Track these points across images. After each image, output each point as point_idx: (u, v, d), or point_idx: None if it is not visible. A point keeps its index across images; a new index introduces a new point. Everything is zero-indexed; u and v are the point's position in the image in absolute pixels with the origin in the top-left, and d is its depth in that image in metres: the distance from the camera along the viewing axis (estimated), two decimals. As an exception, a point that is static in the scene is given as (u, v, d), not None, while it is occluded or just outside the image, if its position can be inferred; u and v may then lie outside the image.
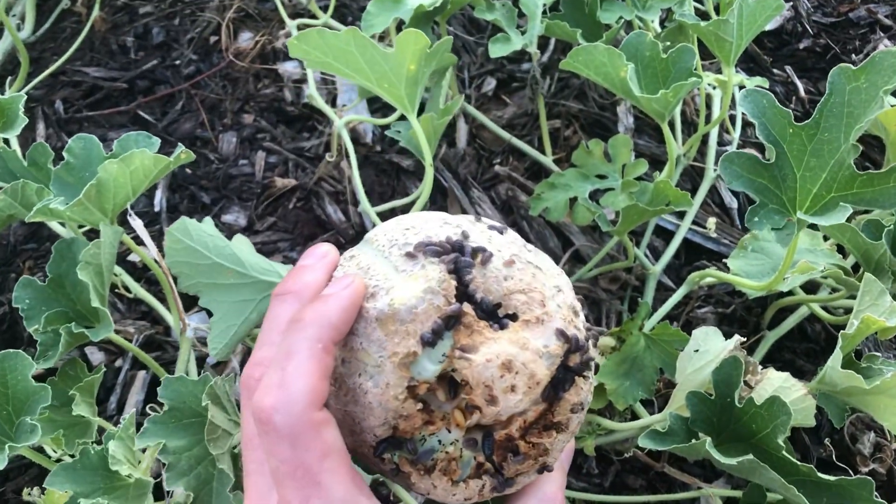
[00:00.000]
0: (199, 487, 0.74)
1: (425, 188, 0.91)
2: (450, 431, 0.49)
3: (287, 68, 1.32)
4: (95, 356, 1.08)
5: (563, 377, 0.49)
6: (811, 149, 0.79)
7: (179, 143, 0.82)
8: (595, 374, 0.54)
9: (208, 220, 0.85)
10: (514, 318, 0.49)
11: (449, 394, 0.48)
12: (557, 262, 1.01)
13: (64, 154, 0.86)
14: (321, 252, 0.53)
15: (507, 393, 0.47)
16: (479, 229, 0.53)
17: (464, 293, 0.48)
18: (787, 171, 0.80)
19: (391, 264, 0.50)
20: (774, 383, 0.83)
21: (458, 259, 0.49)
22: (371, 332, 0.47)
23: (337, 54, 0.83)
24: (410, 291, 0.47)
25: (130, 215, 0.81)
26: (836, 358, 0.76)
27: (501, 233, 0.53)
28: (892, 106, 1.01)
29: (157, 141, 0.86)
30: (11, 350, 0.76)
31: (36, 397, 0.75)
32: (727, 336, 0.85)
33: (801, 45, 1.49)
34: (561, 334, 0.49)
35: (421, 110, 0.99)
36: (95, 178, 0.77)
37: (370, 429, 0.48)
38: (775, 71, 1.45)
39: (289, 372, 0.43)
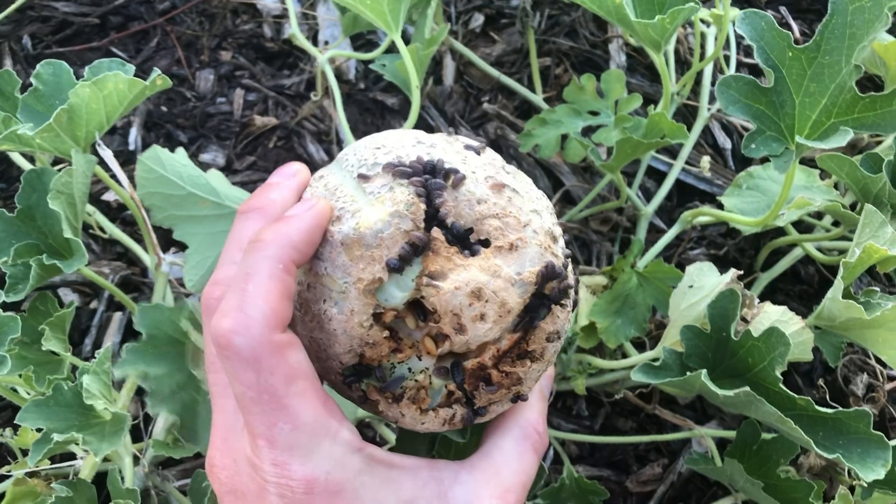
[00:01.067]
0: (182, 412, 0.71)
1: (410, 122, 0.88)
2: (420, 359, 0.48)
3: (266, 3, 1.27)
4: (69, 297, 1.04)
5: (538, 304, 0.48)
6: (811, 73, 0.76)
7: (155, 69, 0.77)
8: (574, 303, 0.52)
9: (181, 150, 0.81)
10: (486, 244, 0.46)
11: (419, 320, 0.46)
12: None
13: (32, 80, 0.81)
14: (291, 170, 0.51)
15: (476, 322, 0.46)
16: (455, 149, 0.50)
17: (434, 217, 0.46)
18: (785, 96, 0.77)
19: (359, 186, 0.47)
20: (771, 317, 0.81)
21: (429, 181, 0.46)
22: (336, 256, 0.45)
23: None
24: (377, 215, 0.45)
25: (99, 145, 0.77)
26: (836, 288, 0.74)
27: (478, 153, 0.50)
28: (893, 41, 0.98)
29: (131, 67, 0.81)
30: None
31: (5, 328, 0.72)
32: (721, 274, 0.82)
33: (797, -15, 1.45)
34: (536, 261, 0.47)
35: (406, 43, 0.95)
36: (67, 103, 0.73)
37: (336, 356, 0.46)
38: (770, 12, 1.41)
39: (248, 292, 0.41)
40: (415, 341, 0.47)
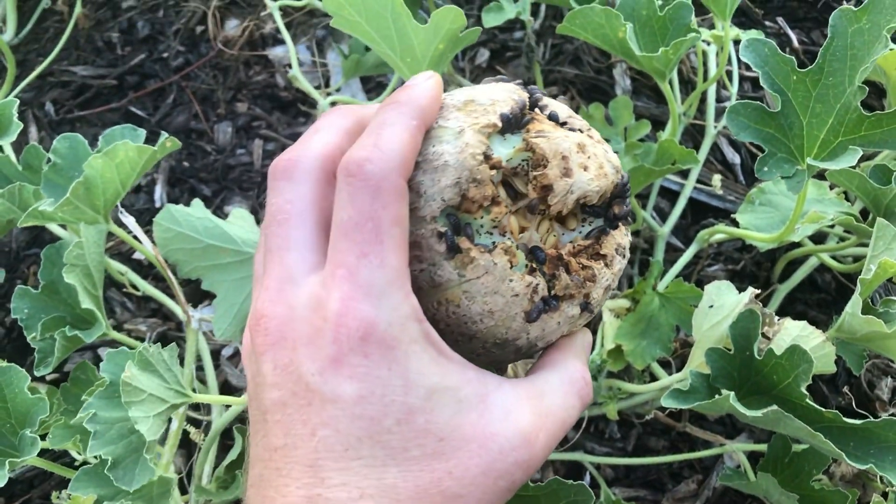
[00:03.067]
0: (125, 455, 0.73)
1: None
2: (504, 235, 0.49)
3: (277, 53, 1.31)
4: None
5: (611, 209, 0.52)
6: (816, 94, 0.78)
7: (163, 132, 0.81)
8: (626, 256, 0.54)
9: (197, 202, 0.84)
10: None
11: (510, 198, 0.49)
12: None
13: (50, 156, 0.85)
14: (427, 74, 0.52)
15: (581, 170, 0.49)
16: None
17: (535, 105, 0.51)
18: (793, 118, 0.79)
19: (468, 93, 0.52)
20: (792, 332, 0.83)
21: (529, 86, 0.52)
22: (450, 114, 0.48)
23: (370, 16, 0.80)
24: (490, 90, 0.50)
25: (121, 212, 0.81)
26: (855, 304, 0.76)
27: None
28: (892, 49, 1.00)
29: (142, 132, 0.84)
30: (4, 364, 0.76)
31: (35, 409, 0.75)
32: (739, 291, 0.84)
33: (792, -4, 1.48)
34: (616, 169, 0.51)
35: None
36: (82, 176, 0.76)
37: (437, 196, 0.47)
38: (767, 23, 1.44)
39: (384, 136, 0.44)
40: (506, 211, 0.49)
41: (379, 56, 0.87)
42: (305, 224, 0.46)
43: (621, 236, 0.52)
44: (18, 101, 0.90)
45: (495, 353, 0.51)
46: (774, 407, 0.70)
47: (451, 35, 0.80)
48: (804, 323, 0.82)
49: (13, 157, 0.92)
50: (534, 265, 0.49)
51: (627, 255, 0.53)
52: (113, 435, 0.73)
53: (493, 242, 0.48)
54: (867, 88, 0.74)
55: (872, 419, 0.70)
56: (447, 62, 0.85)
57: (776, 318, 0.84)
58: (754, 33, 1.20)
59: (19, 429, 0.76)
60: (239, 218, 0.87)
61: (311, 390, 0.42)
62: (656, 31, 0.94)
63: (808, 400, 0.73)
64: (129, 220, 0.83)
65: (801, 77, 0.78)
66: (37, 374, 0.78)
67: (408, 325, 0.43)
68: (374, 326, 0.42)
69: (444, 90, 0.51)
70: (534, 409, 0.47)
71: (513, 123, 0.48)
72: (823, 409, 0.71)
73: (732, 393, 0.73)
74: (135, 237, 0.84)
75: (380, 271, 0.42)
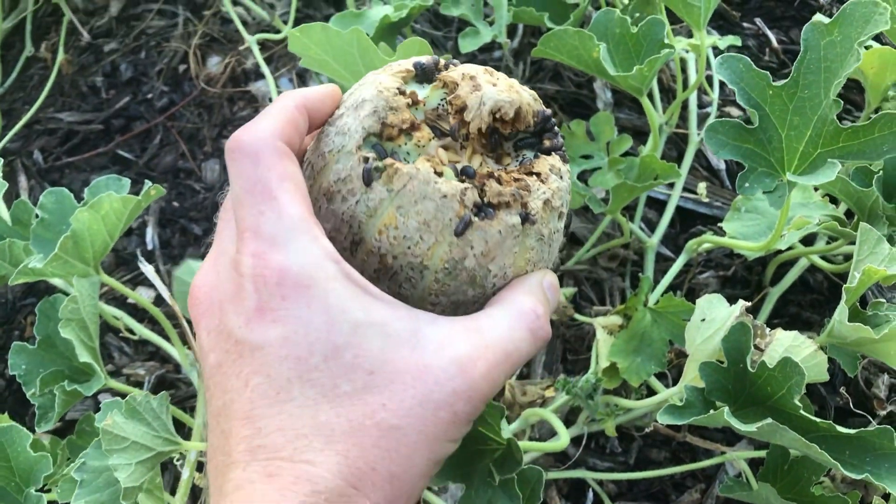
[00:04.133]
0: (107, 500, 0.74)
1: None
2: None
3: (260, 87, 1.32)
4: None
5: (542, 130, 0.54)
6: (793, 107, 0.79)
7: (147, 182, 0.81)
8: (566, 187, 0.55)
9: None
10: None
11: (436, 137, 0.51)
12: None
13: (37, 211, 0.86)
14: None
15: (490, 85, 0.51)
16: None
17: (448, 65, 0.54)
18: (771, 132, 0.80)
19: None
20: (784, 343, 0.84)
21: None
22: (370, 76, 0.53)
23: (337, 53, 0.82)
24: (401, 63, 0.54)
25: (140, 261, 0.82)
26: (841, 312, 0.77)
27: None
28: (866, 48, 1.01)
29: (126, 182, 0.85)
30: (5, 424, 0.77)
31: (38, 467, 0.76)
32: (731, 298, 0.85)
33: (768, -5, 1.49)
34: (535, 98, 0.54)
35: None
36: (70, 230, 0.77)
37: (359, 124, 0.50)
38: (745, 24, 1.45)
39: (259, 118, 0.48)
40: (430, 137, 0.51)
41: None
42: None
43: (556, 161, 0.53)
44: (2, 160, 0.90)
45: (450, 288, 0.51)
46: (769, 420, 0.71)
47: None
48: (795, 333, 0.83)
49: (5, 211, 0.92)
50: (463, 178, 0.50)
51: (566, 178, 0.54)
52: (100, 483, 0.74)
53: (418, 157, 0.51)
54: (842, 102, 0.75)
55: (866, 429, 0.71)
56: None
57: (767, 329, 0.85)
58: (731, 39, 1.21)
59: (24, 487, 0.77)
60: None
61: (240, 342, 0.44)
62: (630, 48, 0.94)
63: (802, 411, 0.74)
64: (148, 269, 0.84)
65: (777, 91, 0.78)
66: (38, 430, 0.79)
67: (323, 264, 0.45)
68: (286, 270, 0.44)
69: None
70: (470, 340, 0.47)
71: (427, 73, 0.52)
72: (818, 420, 0.72)
73: (727, 408, 0.74)
74: (134, 284, 0.85)
75: (279, 222, 0.45)
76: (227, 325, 0.45)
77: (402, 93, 0.51)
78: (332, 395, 0.43)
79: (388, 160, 0.49)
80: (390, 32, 1.04)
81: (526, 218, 0.51)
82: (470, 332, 0.48)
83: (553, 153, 0.54)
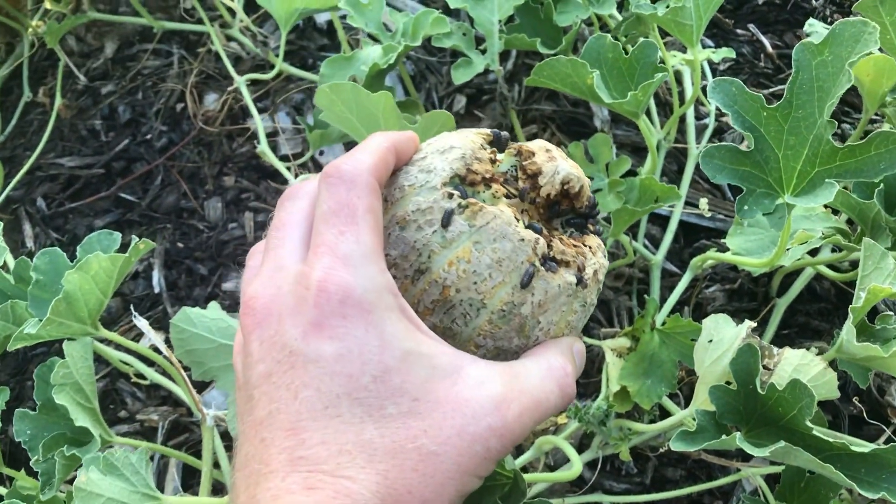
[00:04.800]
0: None
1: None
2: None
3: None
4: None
5: (589, 214, 0.59)
6: (788, 127, 0.79)
7: (133, 237, 0.82)
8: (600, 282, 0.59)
9: (213, 304, 0.86)
10: None
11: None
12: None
13: (31, 273, 0.86)
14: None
15: (563, 159, 0.57)
16: None
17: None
18: (768, 153, 0.80)
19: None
20: (793, 362, 0.84)
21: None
22: (445, 136, 0.58)
23: (361, 114, 0.83)
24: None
25: (135, 316, 0.82)
26: (849, 332, 0.77)
27: None
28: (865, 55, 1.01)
29: (117, 236, 0.85)
30: (12, 501, 0.77)
31: None
32: (739, 311, 0.85)
33: (761, 0, 1.48)
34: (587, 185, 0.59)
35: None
36: (62, 292, 0.77)
37: (448, 164, 0.54)
38: (739, 31, 1.45)
39: (356, 151, 0.51)
40: (504, 191, 0.55)
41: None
42: (300, 228, 0.51)
43: (600, 242, 0.59)
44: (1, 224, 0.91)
45: (500, 332, 0.53)
46: (782, 443, 0.71)
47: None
48: (803, 352, 0.83)
49: (10, 261, 0.93)
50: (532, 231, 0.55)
51: (605, 260, 0.58)
52: None
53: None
54: (836, 123, 0.75)
55: (881, 446, 0.71)
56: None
57: (775, 349, 0.84)
58: (725, 52, 1.21)
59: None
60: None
61: (294, 354, 0.46)
62: (624, 72, 0.95)
63: (814, 431, 0.74)
64: (143, 324, 0.84)
65: (772, 112, 0.78)
66: (43, 498, 0.78)
67: (383, 294, 0.47)
68: (351, 290, 0.46)
69: None
70: (506, 383, 0.50)
71: (502, 141, 0.58)
72: (832, 440, 0.72)
73: (739, 434, 0.74)
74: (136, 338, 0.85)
75: (356, 246, 0.47)
76: (283, 337, 0.46)
77: (486, 148, 0.56)
78: (378, 415, 0.45)
79: (472, 199, 0.52)
80: (379, 77, 1.05)
81: (580, 280, 0.55)
82: (506, 375, 0.50)
83: (595, 236, 0.59)
